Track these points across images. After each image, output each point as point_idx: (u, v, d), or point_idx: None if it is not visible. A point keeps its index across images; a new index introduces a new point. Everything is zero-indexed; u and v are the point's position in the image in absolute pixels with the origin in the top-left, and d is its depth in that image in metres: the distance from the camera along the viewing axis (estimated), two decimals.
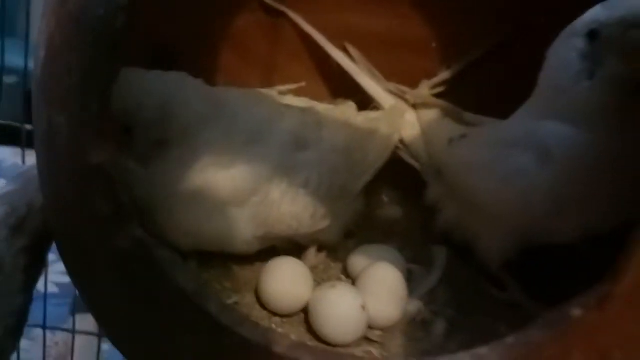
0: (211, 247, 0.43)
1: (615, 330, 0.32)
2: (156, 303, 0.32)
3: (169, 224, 0.42)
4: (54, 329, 0.72)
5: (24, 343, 0.72)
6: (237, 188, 0.42)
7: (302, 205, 0.44)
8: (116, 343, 0.37)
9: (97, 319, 0.38)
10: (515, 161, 0.42)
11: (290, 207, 0.44)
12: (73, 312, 0.75)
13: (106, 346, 0.73)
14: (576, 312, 0.32)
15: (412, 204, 0.55)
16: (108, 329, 0.37)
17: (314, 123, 0.47)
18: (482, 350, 0.32)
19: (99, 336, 0.72)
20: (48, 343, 0.74)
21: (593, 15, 0.39)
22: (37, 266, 0.42)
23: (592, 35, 0.39)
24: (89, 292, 0.34)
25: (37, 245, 0.42)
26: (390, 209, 0.56)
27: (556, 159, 0.40)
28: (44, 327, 0.70)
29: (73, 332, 0.72)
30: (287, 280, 0.43)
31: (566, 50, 0.40)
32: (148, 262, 0.31)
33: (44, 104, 0.33)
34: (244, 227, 0.43)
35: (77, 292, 0.39)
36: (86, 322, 0.73)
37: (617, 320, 0.32)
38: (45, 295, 0.68)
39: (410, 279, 0.48)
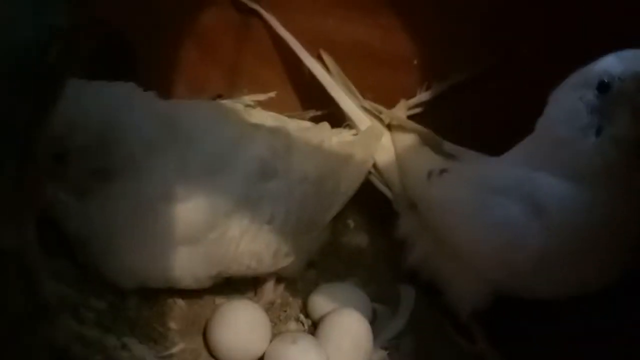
0: (156, 285, 0.38)
1: None
2: None
3: (108, 262, 0.36)
4: None
5: None
6: (192, 224, 0.37)
7: (264, 243, 0.40)
8: None
9: None
10: (504, 211, 0.39)
11: (251, 245, 0.39)
12: None
13: None
14: None
15: (379, 230, 0.52)
16: None
17: (284, 148, 0.42)
18: None
19: None
20: None
21: (605, 65, 0.35)
22: None
23: (603, 87, 0.35)
24: None
25: None
26: (355, 235, 0.52)
27: (550, 215, 0.37)
28: None
29: None
30: (241, 329, 0.39)
31: (572, 100, 0.36)
32: None
33: None
34: (196, 267, 0.38)
35: None
36: None
37: None
38: None
39: (374, 320, 0.44)
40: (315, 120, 0.51)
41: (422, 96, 0.52)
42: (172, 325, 0.40)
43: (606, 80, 0.35)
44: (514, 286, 0.40)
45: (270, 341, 0.39)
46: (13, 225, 0.23)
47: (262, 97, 0.49)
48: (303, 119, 0.50)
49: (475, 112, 0.50)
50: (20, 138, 0.23)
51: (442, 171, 0.45)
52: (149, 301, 0.40)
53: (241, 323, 0.39)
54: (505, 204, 0.39)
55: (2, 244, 0.23)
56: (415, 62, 0.52)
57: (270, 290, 0.45)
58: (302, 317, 0.44)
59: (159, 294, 0.40)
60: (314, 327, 0.43)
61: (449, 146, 0.48)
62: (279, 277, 0.45)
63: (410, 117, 0.52)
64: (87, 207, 0.35)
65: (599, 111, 0.35)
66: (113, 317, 0.37)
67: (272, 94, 0.49)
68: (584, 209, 0.36)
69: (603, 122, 0.35)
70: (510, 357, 0.42)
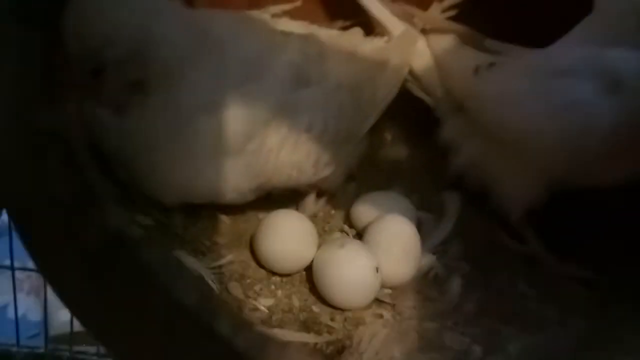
0: (200, 200, 0.38)
1: None
2: (147, 317, 0.24)
3: (151, 178, 0.35)
4: (22, 269, 0.66)
5: None
6: (230, 135, 0.36)
7: (304, 152, 0.38)
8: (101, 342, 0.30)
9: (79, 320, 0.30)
10: (572, 91, 0.37)
11: (291, 155, 0.38)
12: None
13: None
14: None
15: (418, 143, 0.50)
16: (91, 332, 0.29)
17: (317, 55, 0.40)
18: None
19: None
20: (19, 277, 0.68)
21: None
22: None
23: None
24: (64, 294, 0.26)
25: None
26: (394, 148, 0.50)
27: (627, 89, 0.35)
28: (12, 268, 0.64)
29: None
30: (288, 238, 0.38)
31: None
32: (131, 268, 0.24)
33: None
34: (238, 179, 0.37)
35: None
36: None
37: None
38: (10, 233, 0.61)
39: (420, 228, 0.43)
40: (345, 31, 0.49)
41: None
42: (219, 239, 0.40)
43: None
44: (578, 174, 0.38)
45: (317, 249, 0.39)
46: (50, 106, 0.22)
47: (287, 6, 0.47)
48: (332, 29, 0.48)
49: (517, 7, 0.47)
50: (43, 12, 0.21)
51: (491, 64, 0.43)
52: (194, 218, 0.39)
53: (287, 231, 0.38)
54: (573, 84, 0.37)
55: (40, 125, 0.22)
56: None
57: (311, 202, 0.44)
58: (346, 227, 0.44)
59: (203, 210, 0.40)
60: (359, 238, 0.42)
61: (492, 43, 0.46)
62: (320, 190, 0.44)
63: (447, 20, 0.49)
64: (126, 122, 0.34)
65: None
66: (161, 233, 0.37)
67: (297, 3, 0.47)
68: None
69: None
70: (561, 257, 0.41)
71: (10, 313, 0.69)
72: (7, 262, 0.64)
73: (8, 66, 0.23)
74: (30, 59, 0.23)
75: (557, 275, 0.40)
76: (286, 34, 0.41)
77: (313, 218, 0.44)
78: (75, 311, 0.25)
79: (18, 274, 0.66)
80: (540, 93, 0.38)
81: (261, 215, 0.42)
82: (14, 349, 0.66)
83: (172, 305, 0.23)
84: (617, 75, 0.35)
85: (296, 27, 0.44)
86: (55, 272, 0.24)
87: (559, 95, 0.37)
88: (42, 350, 0.66)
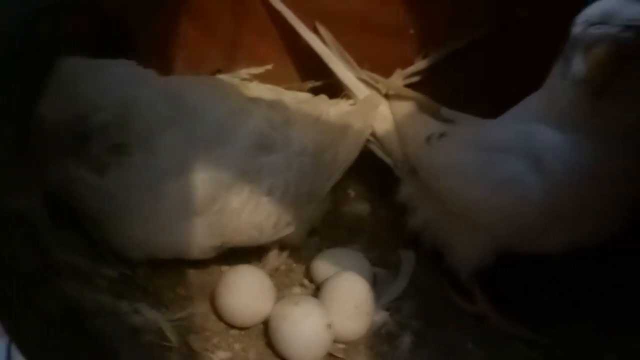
0: (164, 256, 0.40)
1: None
2: None
3: (121, 234, 0.38)
4: None
5: None
6: (195, 197, 0.38)
7: (264, 214, 0.41)
8: None
9: None
10: (508, 168, 0.39)
11: (252, 216, 0.40)
12: None
13: None
14: None
15: (379, 199, 0.53)
16: None
17: (282, 121, 0.43)
18: None
19: None
20: None
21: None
22: None
23: (568, 34, 0.36)
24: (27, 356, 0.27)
25: None
26: (356, 205, 0.53)
27: (547, 167, 0.38)
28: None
29: None
30: (246, 293, 0.40)
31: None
32: (87, 336, 0.26)
33: None
34: (202, 238, 0.39)
35: None
36: None
37: None
38: None
39: (375, 283, 0.45)
40: (314, 91, 0.52)
41: (419, 65, 0.52)
42: (182, 291, 0.41)
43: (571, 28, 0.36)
44: (520, 241, 0.41)
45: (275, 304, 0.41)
46: (19, 188, 0.24)
47: (259, 70, 0.50)
48: (302, 90, 0.51)
49: (472, 79, 0.51)
50: (16, 109, 0.23)
51: (442, 135, 0.46)
52: (158, 270, 0.41)
53: (246, 287, 0.40)
54: (508, 161, 0.40)
55: (9, 206, 0.24)
56: (411, 31, 0.52)
57: (274, 257, 0.46)
58: (306, 282, 0.46)
59: (168, 264, 0.42)
60: (317, 292, 0.44)
61: (446, 112, 0.49)
62: (283, 245, 0.46)
63: (407, 86, 0.52)
64: (107, 182, 0.36)
65: (565, 57, 0.36)
66: (125, 285, 0.38)
67: (268, 67, 0.50)
68: (571, 155, 0.37)
69: (567, 65, 0.36)
70: (510, 316, 0.44)
71: None
72: None
73: None
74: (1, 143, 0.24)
75: (503, 334, 0.43)
76: (254, 101, 0.44)
77: (274, 272, 0.46)
78: None
79: None
80: (483, 167, 0.41)
81: (224, 268, 0.44)
82: None
83: None
84: (540, 157, 0.38)
85: (265, 91, 0.47)
86: (18, 336, 0.26)
87: (498, 170, 0.40)
88: None
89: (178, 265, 0.42)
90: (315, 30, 0.52)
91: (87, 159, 0.36)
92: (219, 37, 0.52)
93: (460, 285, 0.45)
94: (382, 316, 0.43)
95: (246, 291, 0.40)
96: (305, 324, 0.38)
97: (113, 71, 0.36)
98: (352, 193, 0.53)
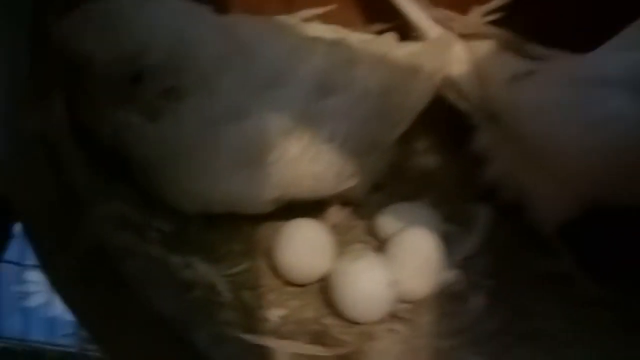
0: (220, 209, 0.38)
1: None
2: (131, 325, 0.25)
3: (175, 184, 0.36)
4: None
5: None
6: (251, 145, 0.35)
7: (325, 163, 0.38)
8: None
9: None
10: (609, 103, 0.35)
11: (312, 165, 0.37)
12: None
13: None
14: None
15: (450, 152, 0.49)
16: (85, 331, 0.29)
17: (345, 61, 0.40)
18: None
19: None
20: None
21: None
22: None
23: None
24: (60, 295, 0.27)
25: None
26: (425, 157, 0.49)
27: None
28: None
29: None
30: (304, 248, 0.38)
31: None
32: (112, 276, 0.25)
33: None
34: (258, 190, 0.37)
35: None
36: None
37: None
38: None
39: (445, 241, 0.42)
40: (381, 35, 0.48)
41: (499, 0, 0.47)
42: (237, 247, 0.40)
43: None
44: (615, 191, 0.36)
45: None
46: (38, 107, 0.22)
47: (320, 10, 0.46)
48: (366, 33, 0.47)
49: (563, 11, 0.45)
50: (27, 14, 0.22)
51: (529, 73, 0.41)
52: (212, 226, 0.40)
53: (304, 241, 0.38)
54: (609, 95, 0.35)
55: (28, 128, 0.23)
56: None
57: (334, 213, 0.43)
58: (368, 239, 0.43)
59: (223, 219, 0.40)
60: (381, 249, 0.41)
61: (534, 49, 0.44)
62: (344, 200, 0.44)
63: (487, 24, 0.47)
64: (159, 129, 0.34)
65: None
66: (177, 238, 0.37)
67: (331, 7, 0.47)
68: None
69: None
70: (597, 276, 0.39)
71: (45, 312, 0.71)
72: None
73: None
74: (18, 58, 0.23)
75: (588, 296, 0.38)
76: (315, 40, 0.41)
77: (334, 228, 0.43)
78: (71, 311, 0.26)
79: None
80: (578, 103, 0.37)
81: (281, 224, 0.41)
82: (48, 347, 0.69)
83: (151, 314, 0.23)
84: None
85: (327, 30, 0.44)
86: (51, 273, 0.25)
87: (596, 106, 0.36)
88: (73, 350, 0.69)
89: (234, 221, 0.40)
90: None
91: (139, 103, 0.34)
92: None
93: (542, 242, 0.41)
94: (452, 274, 0.40)
95: (304, 245, 0.38)
96: (366, 280, 0.36)
97: (165, 7, 0.34)
98: (420, 145, 0.49)
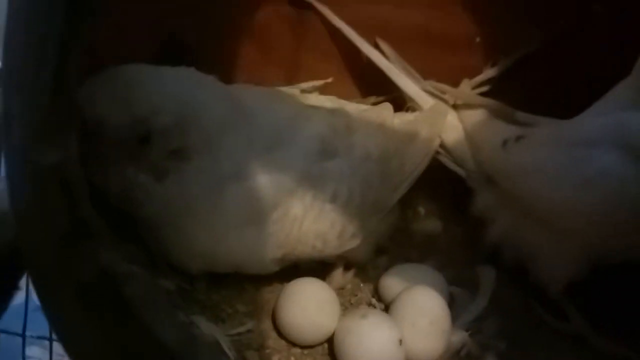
0: (224, 269, 0.38)
1: None
2: (133, 354, 0.24)
3: (179, 244, 0.36)
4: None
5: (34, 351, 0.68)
6: (255, 203, 0.36)
7: (328, 222, 0.38)
8: None
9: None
10: (599, 162, 0.36)
11: (315, 225, 0.38)
12: None
13: None
14: None
15: (452, 216, 0.49)
16: None
17: (344, 127, 0.41)
18: None
19: None
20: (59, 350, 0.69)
21: None
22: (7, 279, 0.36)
23: None
24: (59, 328, 0.26)
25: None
26: (427, 222, 0.49)
27: None
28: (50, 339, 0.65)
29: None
30: (309, 307, 0.37)
31: None
32: (117, 303, 0.24)
33: (4, 82, 0.27)
34: (261, 248, 0.37)
35: None
36: None
37: None
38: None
39: (452, 304, 0.41)
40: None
41: (488, 73, 0.50)
42: (241, 308, 0.39)
43: None
44: (615, 247, 0.37)
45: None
46: (53, 140, 0.23)
47: (318, 83, 0.49)
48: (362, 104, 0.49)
49: (547, 82, 0.48)
50: (57, 51, 0.23)
51: (519, 137, 0.42)
52: (217, 286, 0.39)
53: (309, 301, 0.37)
54: (597, 155, 0.36)
55: (42, 160, 0.23)
56: (477, 39, 0.50)
57: (339, 275, 0.43)
58: (374, 301, 0.42)
59: (228, 279, 0.40)
60: (386, 311, 0.40)
61: (522, 116, 0.45)
62: (348, 263, 0.43)
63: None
64: (165, 188, 0.35)
65: None
66: (182, 297, 0.37)
67: (329, 80, 0.49)
68: None
69: None
70: (609, 335, 0.38)
71: None
72: None
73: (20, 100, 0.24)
74: (38, 91, 0.24)
75: (602, 355, 0.37)
76: (315, 107, 0.43)
77: (340, 291, 0.43)
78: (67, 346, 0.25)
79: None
80: (569, 163, 0.38)
81: (286, 285, 0.41)
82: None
83: (152, 343, 0.23)
84: (635, 145, 0.34)
85: (325, 101, 0.46)
86: (50, 307, 0.25)
87: (587, 165, 0.37)
88: None
89: (238, 281, 0.40)
90: (377, 47, 0.50)
91: (146, 164, 0.35)
92: (280, 57, 0.51)
93: (549, 302, 0.40)
94: (461, 336, 0.39)
95: (309, 304, 0.37)
96: (374, 339, 0.35)
97: (174, 75, 0.36)
98: (422, 210, 0.50)
